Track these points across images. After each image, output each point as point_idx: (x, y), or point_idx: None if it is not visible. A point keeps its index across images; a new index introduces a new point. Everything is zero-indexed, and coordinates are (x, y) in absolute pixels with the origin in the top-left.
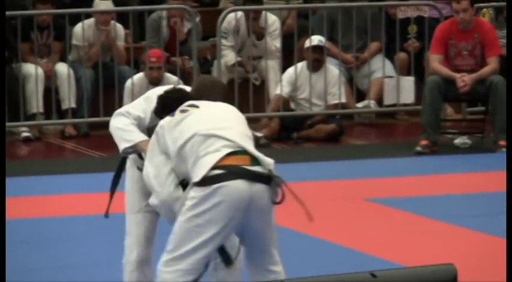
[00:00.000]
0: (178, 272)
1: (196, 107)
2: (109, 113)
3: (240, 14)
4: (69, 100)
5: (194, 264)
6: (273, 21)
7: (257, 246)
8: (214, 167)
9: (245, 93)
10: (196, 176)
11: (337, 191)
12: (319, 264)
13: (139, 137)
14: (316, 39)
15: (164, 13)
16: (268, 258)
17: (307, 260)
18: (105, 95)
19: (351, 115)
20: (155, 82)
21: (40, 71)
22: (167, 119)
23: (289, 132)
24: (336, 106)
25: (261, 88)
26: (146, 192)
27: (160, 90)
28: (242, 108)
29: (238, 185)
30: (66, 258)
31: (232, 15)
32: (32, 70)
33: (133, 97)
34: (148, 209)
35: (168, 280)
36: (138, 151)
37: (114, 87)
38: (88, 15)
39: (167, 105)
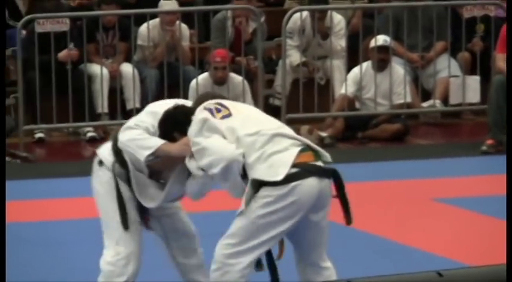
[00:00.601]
0: (242, 264)
1: (226, 107)
2: None
3: (305, 13)
4: (134, 100)
5: (256, 257)
6: (338, 20)
7: (312, 241)
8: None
9: (310, 93)
10: (272, 176)
11: (402, 190)
12: (386, 264)
13: (158, 141)
14: (381, 39)
15: (229, 13)
16: (320, 254)
17: (373, 259)
18: (170, 95)
19: (416, 115)
20: (220, 82)
21: (105, 71)
22: (207, 114)
23: (354, 132)
24: (401, 106)
25: (326, 88)
26: (137, 205)
27: (161, 104)
28: (307, 108)
29: (311, 183)
30: None
31: (297, 15)
32: (98, 70)
33: None
34: (139, 226)
35: (234, 270)
36: (160, 157)
37: (179, 87)
38: (153, 16)
39: (181, 122)
